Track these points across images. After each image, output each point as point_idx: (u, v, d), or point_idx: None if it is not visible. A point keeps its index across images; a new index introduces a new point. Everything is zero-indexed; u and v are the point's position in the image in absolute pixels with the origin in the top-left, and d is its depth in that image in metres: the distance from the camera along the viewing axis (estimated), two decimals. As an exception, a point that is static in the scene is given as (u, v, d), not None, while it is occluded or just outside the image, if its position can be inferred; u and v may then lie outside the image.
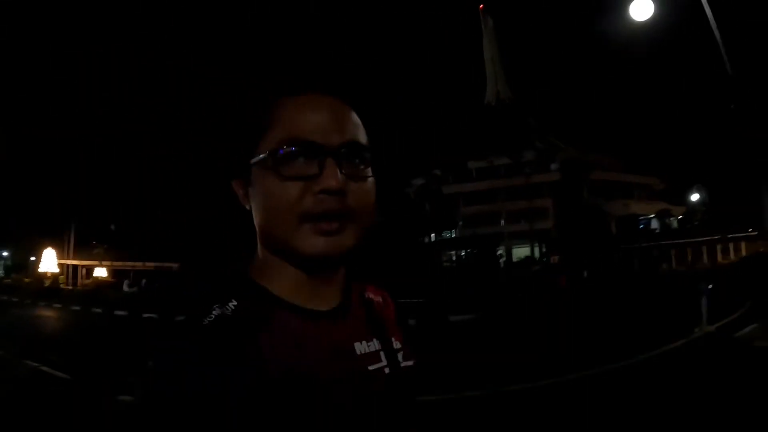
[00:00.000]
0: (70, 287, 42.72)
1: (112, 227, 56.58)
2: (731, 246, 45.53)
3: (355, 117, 0.83)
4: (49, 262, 45.98)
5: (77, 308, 22.75)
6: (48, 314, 21.87)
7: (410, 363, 0.91)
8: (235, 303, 0.76)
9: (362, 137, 0.82)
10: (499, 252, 51.68)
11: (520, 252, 54.58)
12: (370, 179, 0.82)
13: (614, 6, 11.06)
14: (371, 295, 0.95)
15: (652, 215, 56.09)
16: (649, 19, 10.25)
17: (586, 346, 8.96)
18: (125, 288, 38.59)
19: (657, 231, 53.41)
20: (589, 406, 5.66)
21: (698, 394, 5.92)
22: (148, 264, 50.49)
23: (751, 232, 43.44)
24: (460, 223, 55.93)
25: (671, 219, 55.85)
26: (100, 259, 50.09)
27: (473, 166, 58.95)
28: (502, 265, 49.06)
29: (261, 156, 0.78)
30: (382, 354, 0.86)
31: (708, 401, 5.60)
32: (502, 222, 52.37)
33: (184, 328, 0.74)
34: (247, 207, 0.83)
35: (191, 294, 0.80)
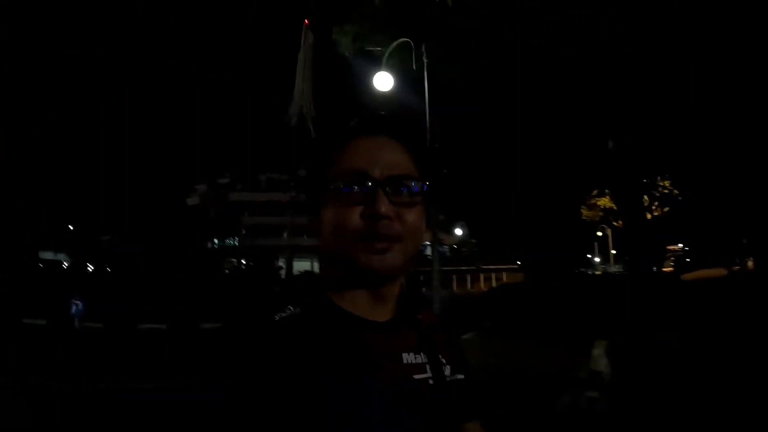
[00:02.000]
0: None
1: None
2: (493, 276, 53.27)
3: (406, 154, 0.97)
4: None
5: None
6: None
7: (458, 377, 1.03)
8: (301, 307, 0.91)
9: (412, 171, 0.96)
10: (279, 264, 51.55)
11: (303, 265, 52.65)
12: (418, 207, 0.95)
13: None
14: (422, 316, 1.05)
15: (427, 243, 51.75)
16: (391, 90, 12.04)
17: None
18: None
19: (428, 258, 54.71)
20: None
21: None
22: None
23: (515, 264, 51.62)
24: (243, 231, 55.84)
25: (444, 248, 52.56)
26: None
27: (264, 177, 57.96)
28: (282, 276, 49.30)
29: (326, 186, 0.94)
30: (427, 366, 0.97)
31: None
32: (286, 235, 52.26)
33: (258, 322, 0.89)
34: (311, 227, 0.97)
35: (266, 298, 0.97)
